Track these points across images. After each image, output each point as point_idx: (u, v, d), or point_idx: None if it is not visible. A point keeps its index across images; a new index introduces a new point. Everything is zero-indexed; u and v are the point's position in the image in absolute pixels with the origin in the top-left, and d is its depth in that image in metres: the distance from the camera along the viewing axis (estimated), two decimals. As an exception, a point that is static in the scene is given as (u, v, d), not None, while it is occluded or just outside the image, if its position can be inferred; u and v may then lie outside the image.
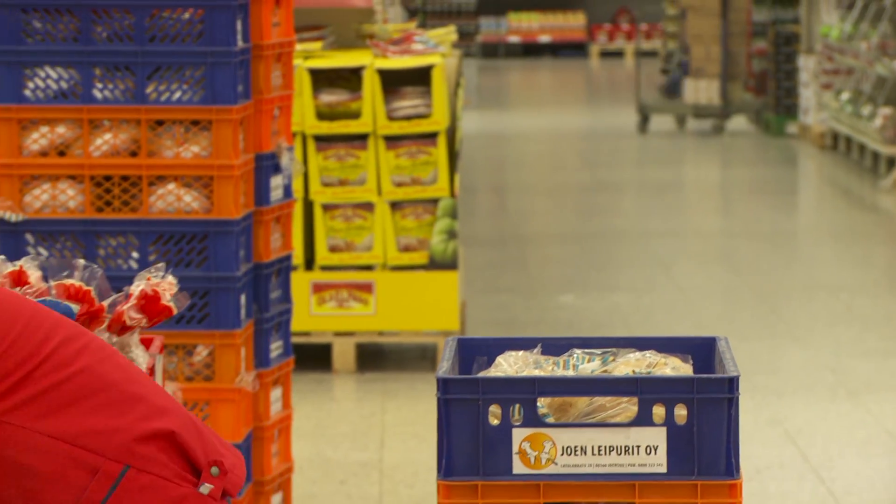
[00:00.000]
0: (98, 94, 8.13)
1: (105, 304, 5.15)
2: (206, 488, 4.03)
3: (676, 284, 14.15)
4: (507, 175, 19.89)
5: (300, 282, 11.23)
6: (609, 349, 4.89)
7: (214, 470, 4.04)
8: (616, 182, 19.27)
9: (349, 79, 12.00)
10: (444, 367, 4.73)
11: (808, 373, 11.39)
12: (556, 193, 18.84)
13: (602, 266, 14.97)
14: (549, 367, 4.83)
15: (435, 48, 12.26)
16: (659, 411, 4.61)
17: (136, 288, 5.25)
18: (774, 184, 19.52)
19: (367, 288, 11.69)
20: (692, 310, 13.24)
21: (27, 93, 8.14)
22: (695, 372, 4.85)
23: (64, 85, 8.15)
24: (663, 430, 4.59)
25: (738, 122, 23.11)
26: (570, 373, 4.78)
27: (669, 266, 14.87)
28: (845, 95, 20.48)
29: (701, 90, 23.24)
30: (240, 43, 8.19)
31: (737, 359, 12.49)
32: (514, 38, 32.70)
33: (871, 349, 12.02)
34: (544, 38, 32.56)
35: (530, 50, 32.69)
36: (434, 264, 11.64)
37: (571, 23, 32.80)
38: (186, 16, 8.09)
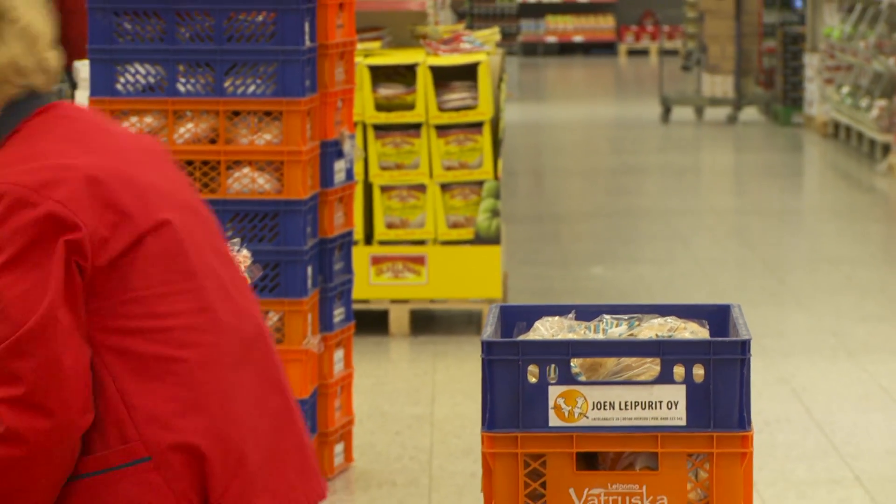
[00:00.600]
0: (181, 88, 8.15)
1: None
2: None
3: (694, 257, 14.13)
4: (544, 160, 19.84)
5: (360, 255, 11.21)
6: (635, 315, 4.88)
7: None
8: (640, 166, 19.21)
9: (404, 74, 11.99)
10: (488, 331, 4.71)
11: (811, 336, 11.36)
12: (587, 176, 18.80)
13: (628, 240, 14.94)
14: (581, 331, 4.81)
15: (481, 47, 12.24)
16: (679, 371, 4.59)
17: (215, 260, 5.25)
18: (782, 167, 19.46)
19: (419, 260, 11.68)
20: (708, 279, 13.21)
21: (118, 87, 8.17)
22: (711, 336, 4.83)
23: (151, 80, 8.17)
24: (683, 388, 4.57)
25: (750, 113, 23.02)
26: (600, 336, 4.77)
27: (688, 240, 14.84)
28: (845, 89, 20.40)
29: (717, 84, 23.18)
30: (307, 43, 8.20)
31: (748, 324, 12.45)
32: (551, 39, 32.59)
33: (868, 315, 11.99)
34: (578, 39, 32.46)
35: (565, 49, 32.57)
36: (479, 239, 11.63)
37: (602, 24, 32.69)
38: (260, 18, 8.10)
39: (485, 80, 11.78)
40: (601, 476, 4.62)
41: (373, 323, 11.57)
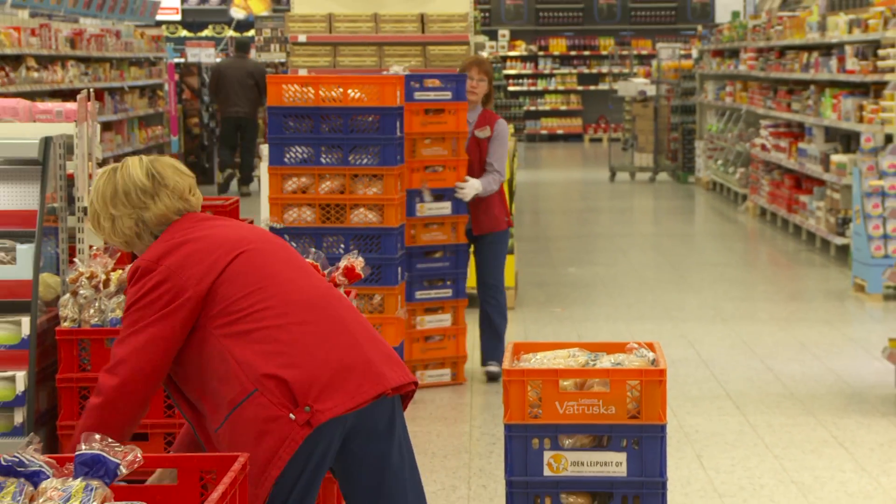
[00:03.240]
0: (323, 160, 8.14)
1: (325, 272, 5.14)
2: (293, 416, 3.83)
3: (629, 261, 14.08)
4: (539, 204, 19.76)
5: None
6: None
7: (307, 408, 3.83)
8: (597, 208, 19.14)
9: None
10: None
11: (700, 310, 11.32)
12: (565, 213, 18.75)
13: (589, 251, 14.90)
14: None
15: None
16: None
17: (342, 264, 5.23)
18: (682, 208, 19.39)
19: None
20: (638, 276, 13.17)
21: (286, 159, 8.16)
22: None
23: (305, 155, 8.15)
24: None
25: (663, 176, 22.96)
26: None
27: (626, 252, 14.79)
28: (720, 161, 20.33)
29: (643, 158, 23.11)
30: (398, 133, 8.18)
31: (662, 302, 12.37)
32: (544, 132, 32.45)
33: (734, 297, 11.95)
34: (560, 132, 32.32)
35: (552, 138, 32.44)
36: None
37: (574, 123, 32.58)
38: (370, 119, 8.09)
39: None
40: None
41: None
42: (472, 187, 8.62)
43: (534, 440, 4.54)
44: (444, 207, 8.67)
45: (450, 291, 8.75)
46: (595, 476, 4.54)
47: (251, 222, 5.52)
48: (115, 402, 3.92)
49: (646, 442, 4.53)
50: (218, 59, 23.12)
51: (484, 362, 8.93)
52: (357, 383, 3.91)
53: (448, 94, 8.62)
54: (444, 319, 8.75)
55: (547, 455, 4.54)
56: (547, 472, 4.54)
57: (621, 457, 4.53)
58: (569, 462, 4.54)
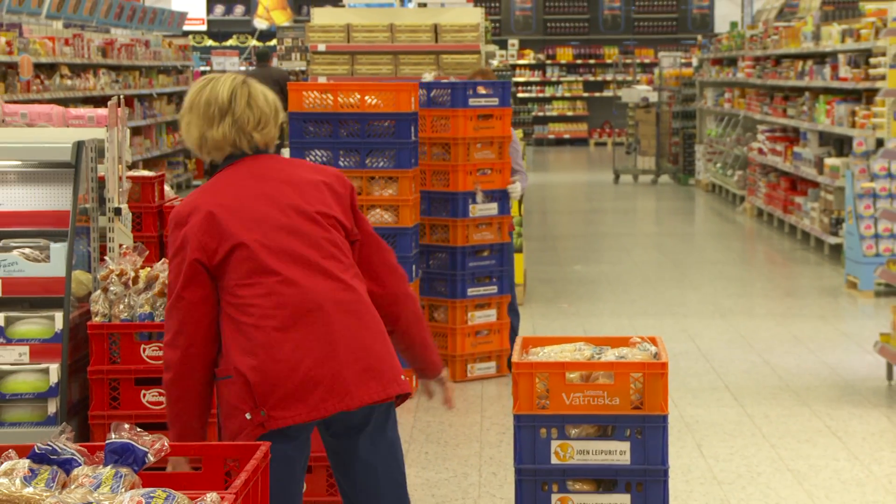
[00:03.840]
0: (341, 164, 8.13)
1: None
2: (248, 415, 3.85)
3: (632, 260, 14.05)
4: (547, 204, 19.72)
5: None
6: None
7: (262, 412, 3.83)
8: (601, 208, 19.10)
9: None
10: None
11: (700, 306, 11.29)
12: (571, 214, 18.71)
13: (594, 250, 14.88)
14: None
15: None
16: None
17: (360, 262, 5.19)
18: (682, 209, 19.35)
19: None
20: (641, 273, 13.15)
21: (305, 163, 8.14)
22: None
23: (324, 159, 8.14)
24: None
25: (664, 179, 22.91)
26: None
27: (629, 250, 14.76)
28: (718, 164, 20.30)
29: (645, 162, 23.07)
30: (412, 137, 8.17)
31: (664, 298, 12.32)
32: (551, 136, 32.44)
33: (732, 293, 11.92)
34: (566, 136, 32.27)
35: (560, 142, 32.38)
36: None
37: (580, 128, 32.51)
38: (386, 124, 8.08)
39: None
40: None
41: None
42: (518, 187, 8.74)
43: (542, 430, 4.53)
44: (492, 208, 8.66)
45: (495, 288, 8.71)
46: (600, 464, 4.53)
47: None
48: (184, 372, 3.93)
49: (648, 431, 4.52)
50: (242, 68, 23.13)
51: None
52: (320, 398, 3.85)
53: (495, 101, 8.60)
54: (490, 315, 8.72)
55: (554, 444, 4.53)
56: (554, 460, 4.53)
57: (625, 446, 4.52)
58: (575, 451, 4.52)
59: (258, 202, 3.97)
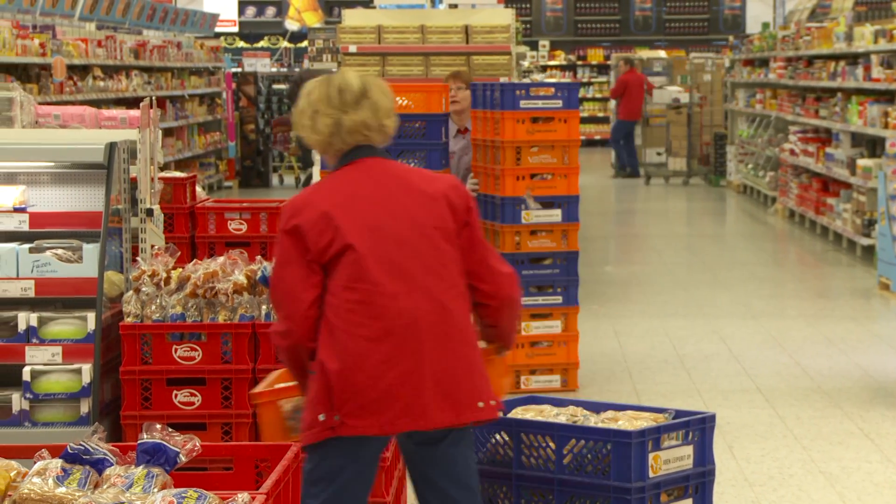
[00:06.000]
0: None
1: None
2: (322, 416, 3.85)
3: (663, 261, 14.01)
4: (581, 205, 19.71)
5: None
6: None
7: (336, 416, 3.84)
8: (632, 210, 19.07)
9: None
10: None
11: (732, 307, 11.26)
12: (603, 215, 18.67)
13: (626, 251, 14.85)
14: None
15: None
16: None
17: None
18: (714, 210, 19.30)
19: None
20: (672, 274, 13.11)
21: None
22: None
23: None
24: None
25: (696, 180, 22.84)
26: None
27: (660, 251, 14.72)
28: (750, 165, 20.23)
29: (677, 163, 23.00)
30: (442, 138, 8.16)
31: (694, 300, 12.30)
32: (582, 137, 32.45)
33: (764, 294, 11.87)
34: (597, 137, 32.31)
35: (590, 143, 32.31)
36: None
37: (608, 128, 32.59)
38: (417, 125, 8.07)
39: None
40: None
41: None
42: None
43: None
44: (554, 215, 8.26)
45: (560, 298, 8.27)
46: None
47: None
48: (295, 342, 3.96)
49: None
50: (274, 69, 23.21)
51: None
52: (395, 415, 3.88)
53: (558, 103, 8.20)
54: (553, 326, 8.28)
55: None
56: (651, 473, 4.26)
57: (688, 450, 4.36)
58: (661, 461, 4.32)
59: (374, 208, 3.96)
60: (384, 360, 3.87)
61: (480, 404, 3.97)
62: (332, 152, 4.06)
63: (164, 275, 5.17)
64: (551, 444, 4.26)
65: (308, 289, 3.92)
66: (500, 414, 4.08)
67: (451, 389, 3.92)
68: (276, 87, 22.29)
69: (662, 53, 25.09)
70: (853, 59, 14.93)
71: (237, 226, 6.30)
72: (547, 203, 8.24)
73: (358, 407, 3.85)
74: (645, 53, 24.01)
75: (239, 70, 23.01)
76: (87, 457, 3.05)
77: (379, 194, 3.98)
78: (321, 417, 3.85)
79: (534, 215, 8.18)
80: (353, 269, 3.90)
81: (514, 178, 8.16)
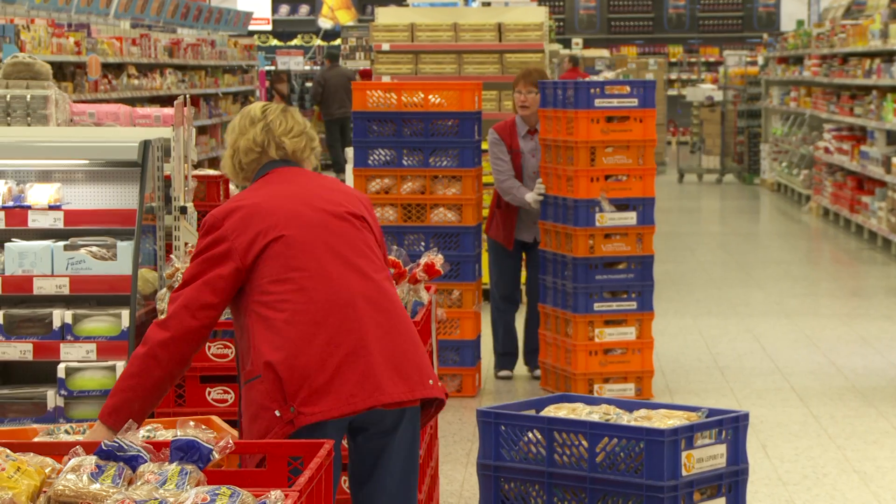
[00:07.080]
0: (405, 162, 8.15)
1: (407, 268, 5.14)
2: (278, 412, 3.80)
3: (697, 259, 13.98)
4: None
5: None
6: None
7: (291, 409, 3.79)
8: (667, 208, 19.04)
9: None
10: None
11: (765, 305, 11.23)
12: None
13: (659, 250, 14.76)
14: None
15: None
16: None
17: (423, 260, 5.24)
18: (747, 209, 19.24)
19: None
20: (705, 273, 13.08)
21: (370, 162, 8.18)
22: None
23: (388, 158, 8.17)
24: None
25: (729, 178, 22.77)
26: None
27: (693, 250, 14.69)
28: (784, 164, 20.15)
29: (710, 161, 22.95)
30: (475, 136, 8.15)
31: (727, 298, 12.28)
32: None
33: (798, 293, 11.84)
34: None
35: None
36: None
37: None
38: (449, 123, 8.08)
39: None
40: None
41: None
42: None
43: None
44: (629, 218, 7.89)
45: (634, 304, 7.94)
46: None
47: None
48: (158, 356, 3.88)
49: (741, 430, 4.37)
50: (307, 68, 23.24)
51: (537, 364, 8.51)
52: (350, 392, 3.82)
53: (634, 101, 7.82)
54: (627, 332, 7.94)
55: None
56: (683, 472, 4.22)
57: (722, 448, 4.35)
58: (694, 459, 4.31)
59: (291, 202, 4.00)
60: (328, 340, 3.83)
61: (430, 381, 3.96)
62: (240, 178, 4.18)
63: (198, 272, 5.18)
64: (584, 443, 4.25)
65: (203, 311, 3.90)
66: (446, 397, 4.05)
67: (400, 363, 3.90)
68: (308, 84, 22.35)
69: (606, 52, 24.97)
70: (889, 56, 14.86)
71: (270, 223, 6.31)
72: (621, 205, 7.90)
73: (311, 393, 3.80)
74: (589, 52, 23.82)
75: (272, 68, 23.06)
76: (121, 453, 3.06)
77: (292, 190, 4.03)
78: (277, 413, 3.80)
79: (608, 218, 7.84)
80: (282, 260, 3.90)
81: (587, 179, 7.80)
